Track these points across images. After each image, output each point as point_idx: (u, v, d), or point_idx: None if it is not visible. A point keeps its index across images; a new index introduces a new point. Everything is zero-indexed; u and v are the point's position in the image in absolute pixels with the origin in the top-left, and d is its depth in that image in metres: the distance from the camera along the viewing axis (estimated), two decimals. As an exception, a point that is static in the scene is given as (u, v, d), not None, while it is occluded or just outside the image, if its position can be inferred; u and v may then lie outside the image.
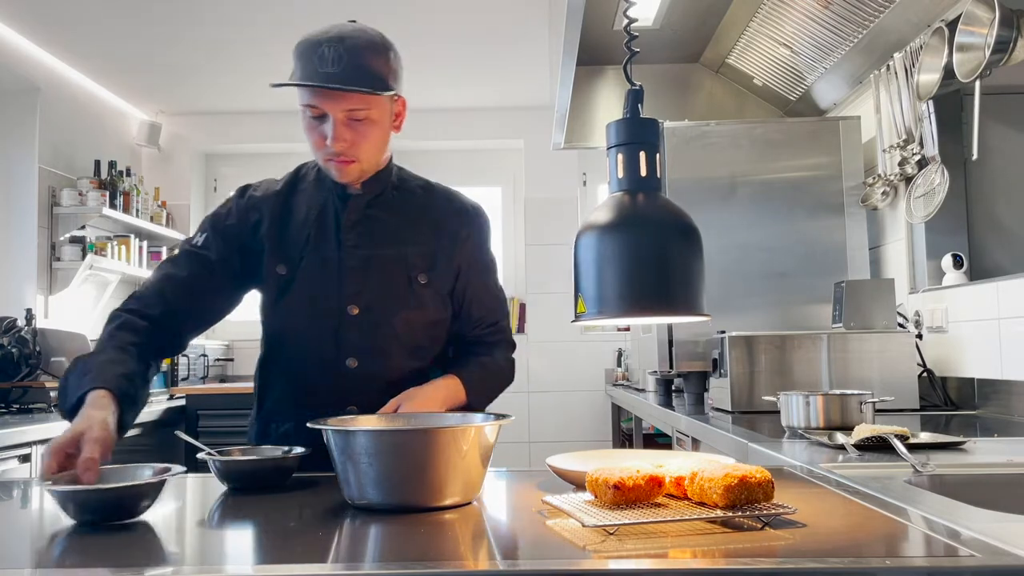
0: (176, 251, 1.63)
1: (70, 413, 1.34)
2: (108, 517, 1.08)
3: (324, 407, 1.48)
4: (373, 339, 1.56)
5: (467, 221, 1.65)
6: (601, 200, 1.15)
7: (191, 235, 1.62)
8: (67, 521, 1.09)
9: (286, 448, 1.41)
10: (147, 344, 1.48)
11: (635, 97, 1.15)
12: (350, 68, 1.43)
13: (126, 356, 1.42)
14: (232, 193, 1.66)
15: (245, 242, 1.59)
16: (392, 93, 1.50)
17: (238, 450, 1.39)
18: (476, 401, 1.60)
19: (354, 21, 1.54)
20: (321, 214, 1.58)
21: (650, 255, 1.08)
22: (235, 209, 1.61)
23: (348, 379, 1.56)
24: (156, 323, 1.51)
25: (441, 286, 1.61)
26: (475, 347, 1.69)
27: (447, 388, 1.56)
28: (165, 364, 4.25)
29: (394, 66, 1.52)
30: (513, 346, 1.75)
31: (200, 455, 1.35)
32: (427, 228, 1.62)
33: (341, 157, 1.50)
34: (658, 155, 1.13)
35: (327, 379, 1.57)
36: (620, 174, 1.12)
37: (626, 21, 1.17)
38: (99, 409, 1.30)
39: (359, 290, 1.56)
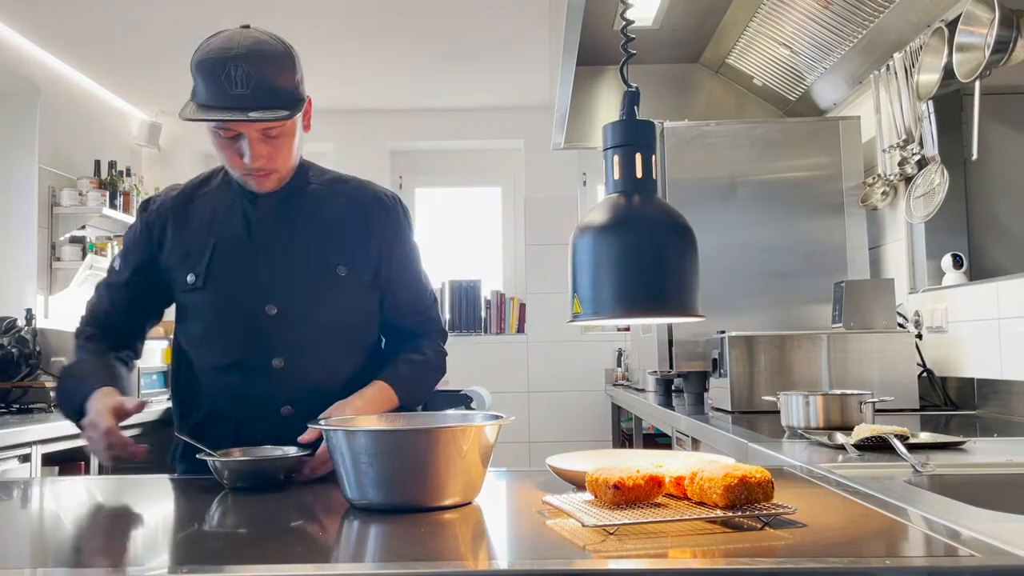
0: (103, 276, 1.68)
1: (77, 415, 1.46)
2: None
3: (257, 412, 1.48)
4: (297, 336, 1.52)
5: (383, 209, 1.61)
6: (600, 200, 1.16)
7: (115, 257, 1.67)
8: (68, 520, 1.09)
9: (285, 448, 1.41)
10: (113, 350, 1.63)
11: (631, 99, 1.15)
12: (261, 90, 1.39)
13: (106, 359, 1.58)
14: (136, 212, 1.68)
15: (154, 258, 1.59)
16: (302, 107, 1.47)
17: (238, 450, 1.39)
18: (408, 400, 1.57)
19: (247, 26, 1.50)
20: (228, 217, 1.55)
21: (645, 256, 1.09)
22: (139, 228, 1.61)
23: (278, 380, 1.52)
24: (108, 337, 1.64)
25: (362, 275, 1.57)
26: (406, 338, 1.65)
27: (376, 394, 1.52)
28: (165, 364, 4.25)
29: (300, 74, 1.49)
30: (444, 335, 1.71)
31: (200, 455, 1.34)
32: (342, 219, 1.58)
33: (260, 172, 1.48)
34: (654, 157, 1.14)
35: (256, 383, 1.53)
36: (616, 175, 1.13)
37: (623, 23, 1.17)
38: (108, 396, 1.44)
39: (276, 288, 1.52)
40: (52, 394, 3.39)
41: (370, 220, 1.59)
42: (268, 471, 1.33)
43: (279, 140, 1.46)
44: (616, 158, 1.13)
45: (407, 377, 1.57)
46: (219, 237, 1.54)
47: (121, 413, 1.41)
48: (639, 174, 1.12)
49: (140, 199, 4.65)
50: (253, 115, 1.37)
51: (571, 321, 1.14)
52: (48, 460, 2.94)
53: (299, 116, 1.48)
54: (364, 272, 1.57)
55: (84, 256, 4.17)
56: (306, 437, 1.38)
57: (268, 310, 1.51)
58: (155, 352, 4.13)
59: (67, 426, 2.99)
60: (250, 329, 1.51)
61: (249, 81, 1.38)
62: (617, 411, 4.81)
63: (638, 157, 1.12)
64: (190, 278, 1.54)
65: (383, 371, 1.57)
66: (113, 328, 1.64)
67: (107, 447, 1.38)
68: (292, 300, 1.52)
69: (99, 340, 1.61)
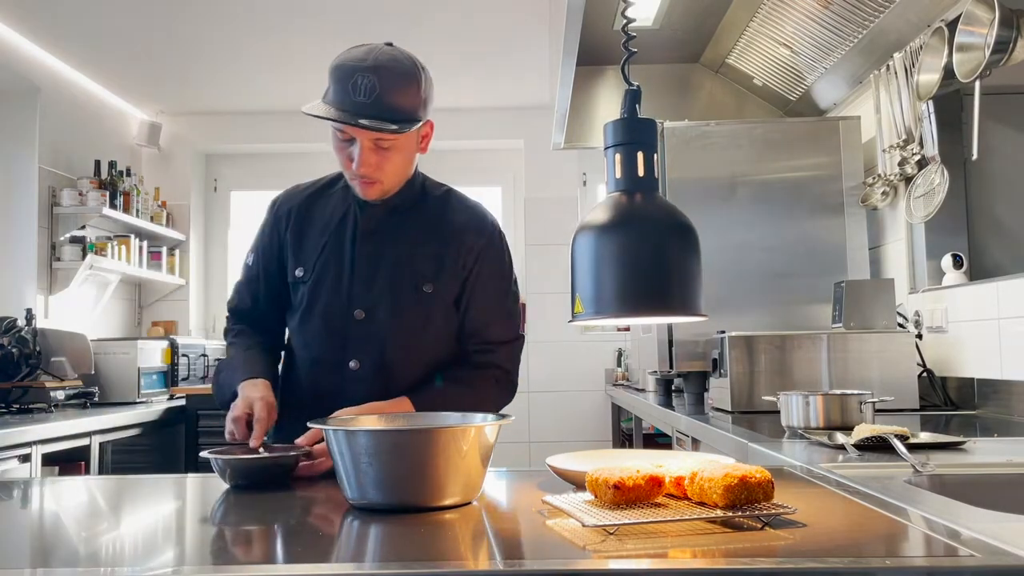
0: (243, 267, 1.76)
1: (228, 403, 1.57)
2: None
3: (328, 408, 1.50)
4: (376, 343, 1.59)
5: (479, 233, 1.65)
6: (601, 200, 1.15)
7: (247, 253, 1.75)
8: (68, 520, 1.09)
9: (287, 446, 1.41)
10: (262, 340, 1.71)
11: (633, 97, 1.15)
12: (381, 102, 1.46)
13: (255, 351, 1.66)
14: (266, 210, 1.74)
15: (283, 249, 1.68)
16: (419, 124, 1.54)
17: (239, 448, 1.40)
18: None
19: (390, 44, 1.56)
20: (342, 220, 1.64)
21: (647, 255, 1.08)
22: (269, 221, 1.71)
23: (350, 380, 1.59)
24: (255, 329, 1.73)
25: (446, 295, 1.61)
26: (462, 365, 1.64)
27: (390, 407, 1.53)
28: (165, 364, 4.25)
29: (424, 95, 1.55)
30: (507, 382, 1.67)
31: (202, 453, 1.36)
32: (439, 236, 1.63)
33: (365, 179, 1.55)
34: (655, 155, 1.13)
35: (332, 380, 1.61)
36: (618, 174, 1.12)
37: (624, 21, 1.17)
38: (256, 388, 1.54)
39: (365, 295, 1.60)
40: (52, 394, 3.40)
41: (465, 242, 1.63)
42: (268, 469, 1.33)
43: (389, 153, 1.53)
44: (618, 157, 1.12)
45: (428, 403, 1.55)
46: (330, 238, 1.63)
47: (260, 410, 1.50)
48: (641, 173, 1.12)
49: (140, 199, 4.66)
50: (363, 122, 1.45)
51: (572, 321, 1.14)
52: (48, 460, 2.94)
53: (415, 138, 1.57)
54: (448, 292, 1.62)
55: (84, 256, 4.17)
56: (303, 440, 1.44)
57: (356, 314, 1.59)
58: (155, 352, 4.14)
59: (67, 426, 3.02)
60: (336, 329, 1.60)
61: (372, 92, 1.46)
62: (617, 411, 4.81)
63: (640, 156, 1.12)
64: (299, 271, 1.64)
65: (414, 390, 1.59)
66: (257, 320, 1.72)
67: (242, 430, 1.47)
68: (378, 308, 1.59)
69: (247, 334, 1.71)
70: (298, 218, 1.67)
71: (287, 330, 1.74)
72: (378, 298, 1.59)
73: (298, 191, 1.72)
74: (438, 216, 1.66)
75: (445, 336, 1.64)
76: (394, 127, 1.47)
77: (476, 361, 1.64)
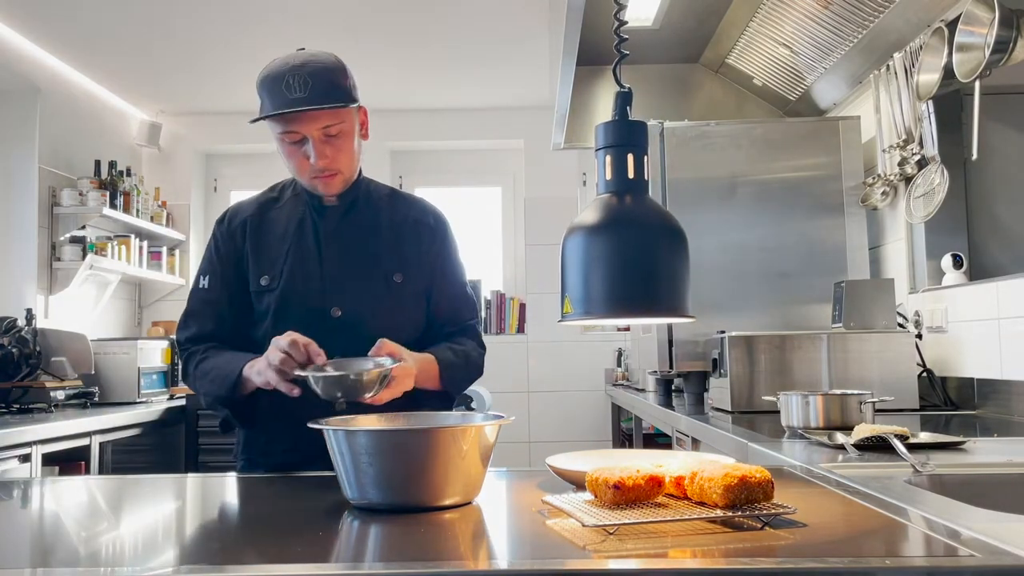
0: (191, 296, 1.74)
1: (232, 390, 1.56)
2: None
3: (313, 408, 1.48)
4: (355, 338, 1.59)
5: (431, 226, 1.76)
6: (596, 201, 1.16)
7: (196, 277, 1.74)
8: (68, 520, 1.09)
9: (377, 359, 1.47)
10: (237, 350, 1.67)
11: (624, 99, 1.16)
12: (317, 90, 1.55)
13: (239, 353, 1.62)
14: (213, 227, 1.76)
15: (240, 264, 1.70)
16: (356, 105, 1.63)
17: (331, 364, 1.44)
18: (448, 383, 1.66)
19: (303, 49, 1.63)
20: (300, 226, 1.69)
21: (636, 256, 1.09)
22: (220, 239, 1.73)
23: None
24: (223, 346, 1.68)
25: (415, 283, 1.70)
26: (448, 339, 1.75)
27: (424, 358, 1.61)
28: (165, 364, 4.25)
29: (352, 81, 1.63)
30: (484, 347, 1.81)
31: (298, 372, 1.40)
32: (398, 230, 1.73)
33: (325, 172, 1.62)
34: (646, 157, 1.14)
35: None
36: (608, 176, 1.13)
37: (616, 24, 1.18)
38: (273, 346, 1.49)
39: (340, 293, 1.65)
40: (52, 394, 3.40)
41: (422, 233, 1.74)
42: (374, 382, 1.39)
43: (339, 140, 1.60)
44: (608, 158, 1.13)
45: (452, 362, 1.67)
46: (292, 244, 1.68)
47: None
48: (631, 174, 1.12)
49: (140, 199, 4.66)
50: (311, 107, 1.53)
51: (561, 320, 1.14)
52: (48, 460, 2.94)
53: (356, 121, 1.65)
54: (417, 280, 1.71)
55: (84, 256, 4.17)
56: (373, 352, 1.49)
57: (333, 312, 1.63)
58: (155, 352, 4.14)
59: (67, 426, 3.02)
60: (316, 329, 1.58)
61: (306, 85, 1.54)
62: (617, 411, 4.81)
63: (630, 157, 1.13)
64: (263, 280, 1.66)
65: (430, 348, 1.66)
66: (224, 340, 1.70)
67: (283, 360, 1.43)
68: (355, 303, 1.64)
69: (219, 348, 1.67)
70: (253, 229, 1.70)
71: (253, 341, 1.71)
72: (353, 293, 1.65)
73: (246, 204, 1.76)
74: (391, 211, 1.75)
75: (415, 322, 1.72)
76: (340, 104, 1.56)
77: (461, 336, 1.76)
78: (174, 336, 4.52)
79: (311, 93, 1.54)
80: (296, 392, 1.44)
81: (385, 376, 1.43)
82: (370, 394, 1.43)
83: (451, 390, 1.68)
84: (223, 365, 1.60)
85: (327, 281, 1.65)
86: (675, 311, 1.09)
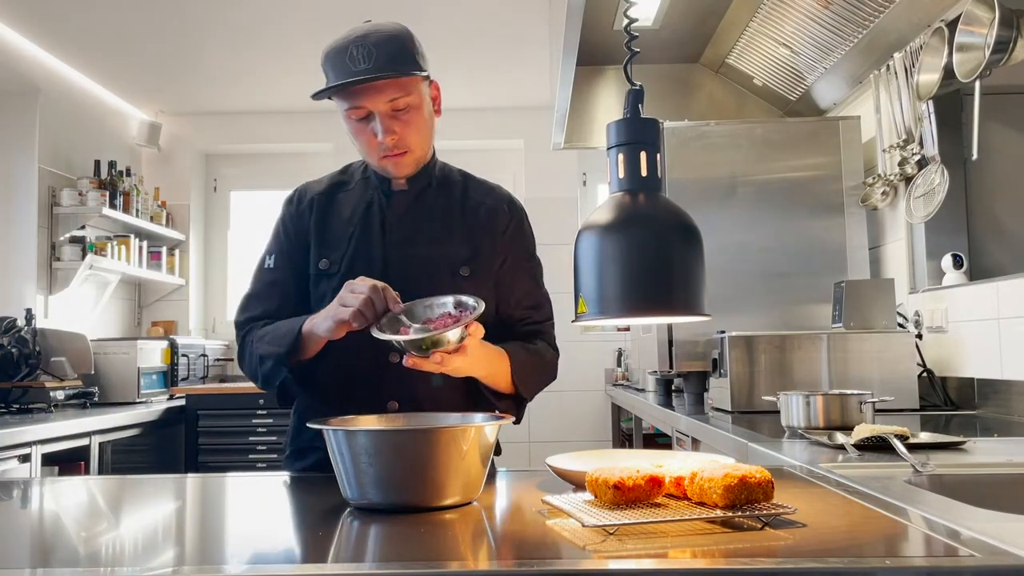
0: (255, 277, 1.64)
1: (292, 347, 1.45)
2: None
3: (367, 403, 1.47)
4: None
5: (507, 213, 1.66)
6: (601, 200, 1.15)
7: (263, 257, 1.64)
8: (68, 520, 1.09)
9: (460, 297, 1.39)
10: None
11: (635, 97, 1.14)
12: (381, 60, 1.46)
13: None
14: (282, 207, 1.67)
15: (306, 245, 1.61)
16: (425, 74, 1.54)
17: (406, 309, 1.37)
18: (520, 382, 1.55)
19: (369, 21, 1.55)
20: (367, 211, 1.60)
21: (651, 255, 1.07)
22: (289, 218, 1.64)
23: (390, 374, 1.52)
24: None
25: (484, 277, 1.59)
26: (518, 335, 1.63)
27: (494, 354, 1.50)
28: (164, 364, 4.25)
29: (420, 49, 1.55)
30: (557, 351, 1.71)
31: (377, 334, 1.32)
32: (469, 218, 1.62)
33: (395, 151, 1.53)
34: (659, 155, 1.13)
35: (370, 374, 1.54)
36: (621, 174, 1.12)
37: (626, 21, 1.17)
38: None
39: (402, 284, 1.51)
40: (52, 394, 3.39)
41: (496, 224, 1.63)
42: (452, 337, 1.30)
43: (408, 115, 1.51)
44: (620, 156, 1.12)
45: (524, 360, 1.56)
46: (356, 229, 1.58)
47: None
48: (644, 172, 1.11)
49: (140, 199, 4.66)
50: (376, 75, 1.44)
51: (576, 321, 1.13)
52: (48, 460, 2.94)
53: (427, 95, 1.55)
54: (486, 274, 1.60)
55: (84, 256, 4.17)
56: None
57: (392, 306, 1.48)
58: (155, 352, 4.14)
59: (67, 426, 3.02)
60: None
61: (370, 56, 1.46)
62: (617, 411, 4.81)
63: (643, 155, 1.11)
64: (323, 263, 1.57)
65: (502, 344, 1.54)
66: (283, 314, 1.58)
67: (366, 302, 1.34)
68: (416, 296, 1.50)
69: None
70: (320, 209, 1.61)
71: None
72: (415, 286, 1.51)
73: (316, 183, 1.67)
74: (463, 198, 1.65)
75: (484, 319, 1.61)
76: (406, 72, 1.47)
77: (531, 330, 1.64)
78: (174, 336, 4.54)
79: (375, 63, 1.45)
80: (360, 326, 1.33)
81: (463, 334, 1.32)
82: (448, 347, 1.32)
83: (523, 391, 1.56)
84: (281, 326, 1.51)
85: (390, 271, 1.53)
86: (692, 310, 1.08)
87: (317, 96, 1.51)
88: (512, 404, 1.57)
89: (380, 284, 1.36)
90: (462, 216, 1.62)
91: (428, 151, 1.61)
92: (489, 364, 1.49)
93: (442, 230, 1.60)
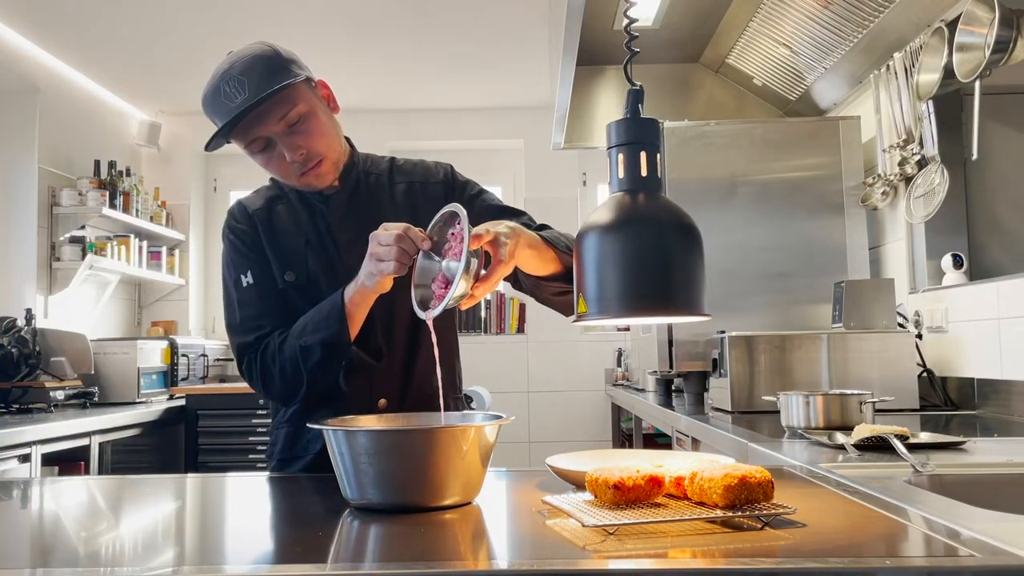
0: (240, 299, 1.59)
1: (342, 322, 1.43)
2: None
3: (356, 401, 1.47)
4: (393, 326, 1.55)
5: (443, 180, 1.66)
6: (601, 200, 1.15)
7: (236, 278, 1.59)
8: (68, 520, 1.09)
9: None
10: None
11: (635, 97, 1.14)
12: (254, 85, 1.42)
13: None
14: (224, 230, 1.63)
15: (266, 257, 1.59)
16: (303, 78, 1.49)
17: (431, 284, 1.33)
18: (565, 254, 1.45)
19: (230, 52, 1.50)
20: (311, 218, 1.59)
21: (651, 255, 1.07)
22: (241, 234, 1.60)
23: (375, 372, 1.54)
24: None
25: None
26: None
27: (531, 239, 1.40)
28: (164, 364, 4.25)
29: (288, 58, 1.50)
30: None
31: (421, 313, 1.29)
32: (408, 201, 1.62)
33: (309, 164, 1.50)
34: (659, 155, 1.13)
35: (356, 374, 1.54)
36: (621, 174, 1.12)
37: (626, 21, 1.17)
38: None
39: None
40: (52, 394, 3.39)
41: (435, 192, 1.62)
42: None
43: (305, 124, 1.48)
44: (621, 156, 1.12)
45: (551, 232, 1.50)
46: (309, 236, 1.57)
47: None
48: (644, 172, 1.11)
49: (140, 199, 4.66)
50: (253, 101, 1.40)
51: (576, 321, 1.13)
52: (48, 460, 2.94)
53: (315, 99, 1.50)
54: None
55: (84, 256, 4.17)
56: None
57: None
58: (155, 352, 4.14)
59: (67, 426, 3.02)
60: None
61: (243, 86, 1.42)
62: (617, 411, 4.81)
63: (643, 155, 1.11)
64: (288, 276, 1.55)
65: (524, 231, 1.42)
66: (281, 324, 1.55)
67: (400, 252, 1.30)
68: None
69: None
70: (264, 223, 1.59)
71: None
72: None
73: (250, 199, 1.64)
74: (395, 180, 1.64)
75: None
76: (282, 85, 1.42)
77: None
78: (174, 336, 4.54)
79: (250, 90, 1.41)
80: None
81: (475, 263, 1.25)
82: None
83: (567, 263, 1.44)
84: (316, 313, 1.46)
85: (345, 272, 1.50)
86: (691, 310, 1.08)
87: (211, 145, 1.47)
88: (564, 282, 1.47)
89: (403, 226, 1.32)
90: (400, 199, 1.62)
91: (341, 150, 1.58)
92: (535, 252, 1.39)
93: (385, 217, 1.53)
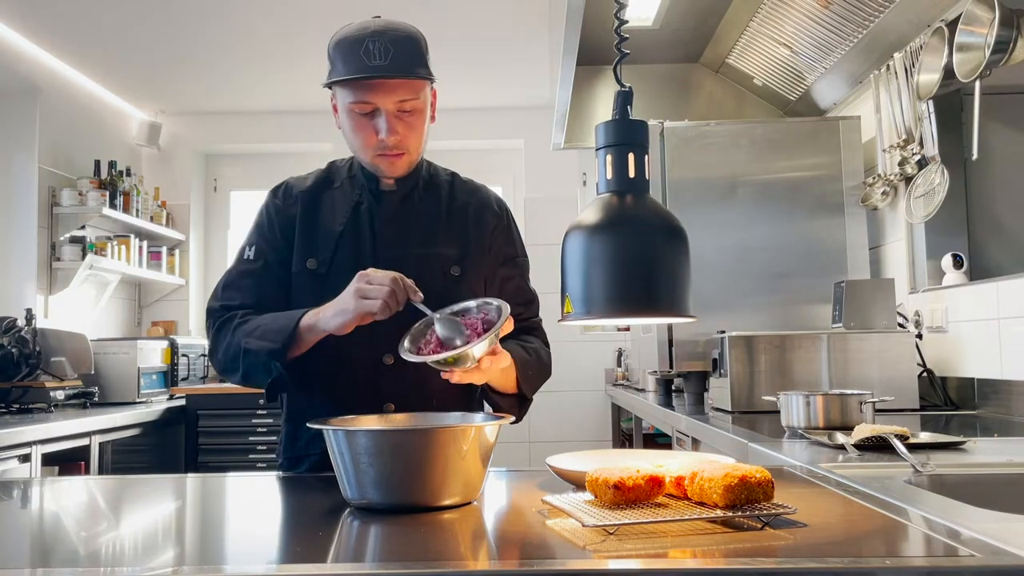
0: (232, 267, 1.60)
1: (287, 342, 1.42)
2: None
3: (362, 405, 1.46)
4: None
5: (496, 213, 1.67)
6: (595, 201, 1.15)
7: (242, 247, 1.60)
8: (68, 520, 1.09)
9: (488, 300, 1.39)
10: None
11: (624, 99, 1.15)
12: (399, 59, 1.46)
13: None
14: (265, 198, 1.64)
15: (289, 239, 1.58)
16: (434, 80, 1.55)
17: (424, 340, 1.36)
18: (526, 385, 1.54)
19: (378, 17, 1.54)
20: (355, 211, 1.58)
21: (637, 256, 1.08)
22: (274, 210, 1.60)
23: (385, 376, 1.52)
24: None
25: (474, 278, 1.59)
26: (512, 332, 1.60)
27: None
28: (164, 364, 4.25)
29: (427, 53, 1.56)
30: (549, 344, 1.72)
31: (410, 358, 1.31)
32: (458, 218, 1.62)
33: (393, 151, 1.52)
34: (647, 157, 1.14)
35: (365, 376, 1.53)
36: (608, 175, 1.13)
37: (616, 23, 1.18)
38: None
39: None
40: (52, 394, 3.39)
41: (484, 224, 1.64)
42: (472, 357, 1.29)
43: (412, 117, 1.51)
44: (609, 158, 1.13)
45: (527, 360, 1.55)
46: (345, 230, 1.57)
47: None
48: (631, 174, 1.12)
49: (140, 199, 4.66)
50: (395, 75, 1.45)
51: (561, 320, 1.14)
52: (48, 460, 2.94)
53: (428, 102, 1.55)
54: (476, 275, 1.60)
55: (84, 256, 4.17)
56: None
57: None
58: (155, 352, 4.14)
59: (67, 426, 3.02)
60: (364, 325, 1.42)
61: (387, 53, 1.45)
62: (617, 411, 4.81)
63: (631, 157, 1.12)
64: (310, 263, 1.55)
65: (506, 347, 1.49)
66: (260, 307, 1.55)
67: (391, 293, 1.33)
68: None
69: (257, 317, 1.52)
70: (306, 206, 1.58)
71: None
72: None
73: (301, 180, 1.64)
74: (451, 198, 1.64)
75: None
76: (422, 76, 1.48)
77: (521, 339, 1.61)
78: (174, 336, 4.54)
79: (392, 62, 1.44)
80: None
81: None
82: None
83: (527, 392, 1.56)
84: (274, 321, 1.46)
85: (379, 268, 1.45)
86: (676, 311, 1.09)
87: (328, 85, 1.50)
88: (515, 402, 1.57)
89: (398, 275, 1.35)
90: (450, 216, 1.62)
91: (419, 156, 1.61)
92: (499, 371, 1.46)
93: (431, 231, 1.59)
